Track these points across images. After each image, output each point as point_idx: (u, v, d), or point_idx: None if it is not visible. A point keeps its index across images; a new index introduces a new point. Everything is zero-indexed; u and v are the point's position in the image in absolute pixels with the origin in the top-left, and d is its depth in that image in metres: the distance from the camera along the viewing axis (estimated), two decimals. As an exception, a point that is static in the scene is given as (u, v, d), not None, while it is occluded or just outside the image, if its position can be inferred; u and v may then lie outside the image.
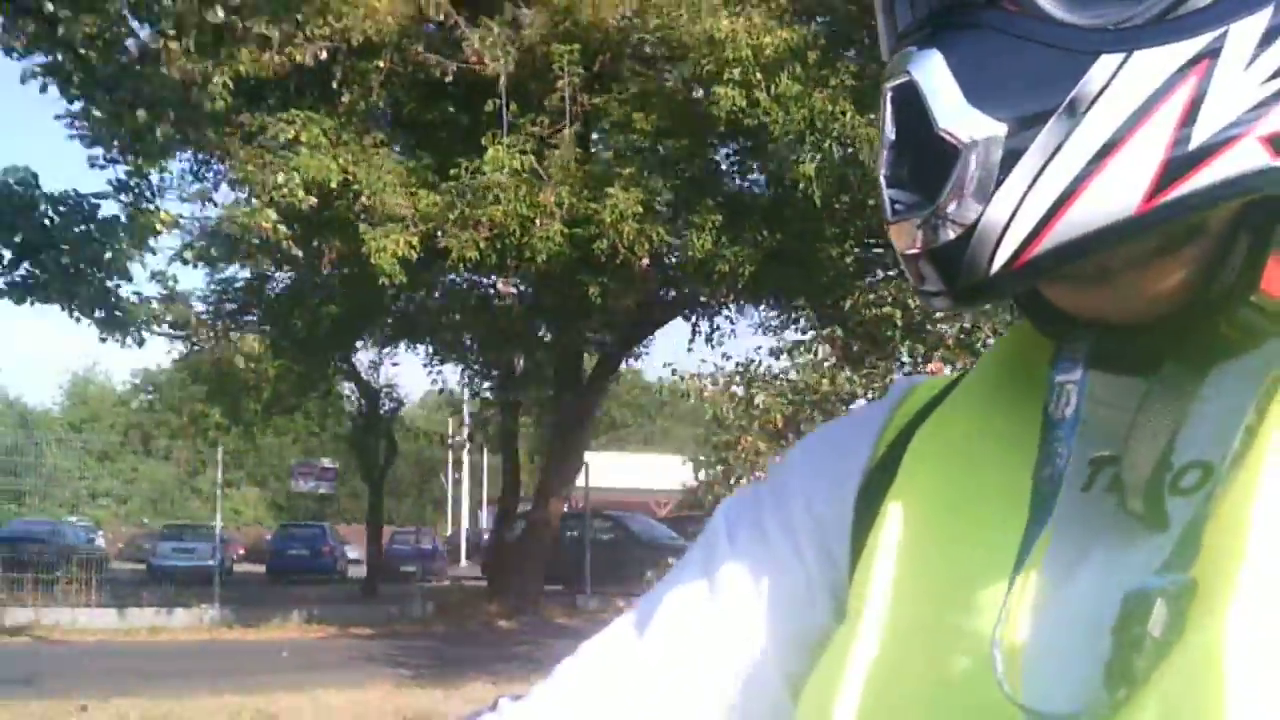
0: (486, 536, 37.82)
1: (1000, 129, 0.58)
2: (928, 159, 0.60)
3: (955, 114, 0.59)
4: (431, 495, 59.58)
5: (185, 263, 14.07)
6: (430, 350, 23.57)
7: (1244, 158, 0.57)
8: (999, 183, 0.58)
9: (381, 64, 14.32)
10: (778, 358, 11.26)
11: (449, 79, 14.47)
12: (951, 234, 0.59)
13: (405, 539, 36.18)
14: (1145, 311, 0.64)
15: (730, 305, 17.39)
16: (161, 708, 11.35)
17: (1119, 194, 0.57)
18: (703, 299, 17.11)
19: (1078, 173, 0.57)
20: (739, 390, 10.80)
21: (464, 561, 42.41)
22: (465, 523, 50.37)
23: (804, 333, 15.81)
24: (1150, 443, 0.63)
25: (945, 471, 0.72)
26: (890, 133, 0.62)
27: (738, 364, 11.50)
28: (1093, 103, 0.57)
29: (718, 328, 18.13)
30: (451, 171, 14.31)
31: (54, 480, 52.33)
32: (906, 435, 0.77)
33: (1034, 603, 0.63)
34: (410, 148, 15.75)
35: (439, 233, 14.02)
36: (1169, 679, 0.55)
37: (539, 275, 15.39)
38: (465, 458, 49.94)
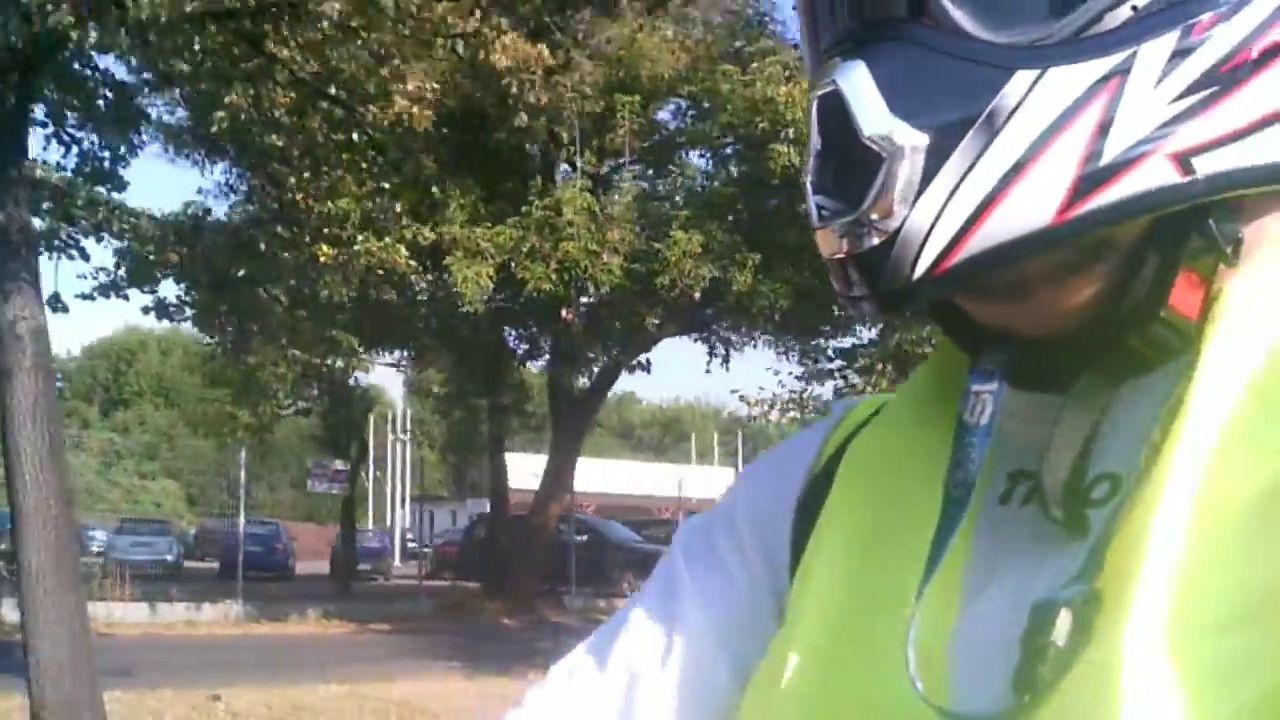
0: (423, 537, 38.68)
1: (922, 139, 0.59)
2: (853, 166, 0.61)
3: (879, 122, 0.60)
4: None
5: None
6: (407, 353, 24.68)
7: (1153, 174, 0.58)
8: (920, 191, 0.59)
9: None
10: (821, 383, 12.95)
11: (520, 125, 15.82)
12: (875, 240, 0.60)
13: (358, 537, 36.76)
14: (1060, 326, 0.65)
15: (758, 335, 19.04)
16: (289, 696, 12.40)
17: (1034, 206, 0.58)
18: (725, 326, 18.77)
19: (995, 183, 0.58)
20: (795, 414, 12.46)
21: (397, 561, 42.93)
22: (402, 521, 50.56)
23: (830, 361, 17.68)
24: (1066, 454, 0.64)
25: (872, 481, 0.74)
26: (816, 141, 0.64)
27: (790, 391, 13.16)
28: (1009, 116, 0.58)
29: (729, 354, 19.78)
30: (524, 209, 15.68)
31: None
32: (843, 449, 0.79)
33: (952, 609, 0.65)
34: (478, 186, 17.01)
35: (512, 264, 15.38)
36: (1069, 689, 0.56)
37: (599, 304, 16.87)
38: (395, 452, 50.57)
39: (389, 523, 51.59)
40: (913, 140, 0.59)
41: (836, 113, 0.62)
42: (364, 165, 10.90)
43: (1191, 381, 0.61)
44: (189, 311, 17.96)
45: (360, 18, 8.56)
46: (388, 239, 13.07)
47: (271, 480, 59.63)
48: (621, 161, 16.54)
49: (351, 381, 25.43)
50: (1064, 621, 0.57)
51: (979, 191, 0.59)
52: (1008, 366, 0.66)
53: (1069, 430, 0.65)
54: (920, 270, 0.60)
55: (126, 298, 15.65)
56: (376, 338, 21.63)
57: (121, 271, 15.31)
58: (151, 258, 13.56)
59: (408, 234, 13.56)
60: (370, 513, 52.96)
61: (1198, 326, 0.64)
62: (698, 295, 15.93)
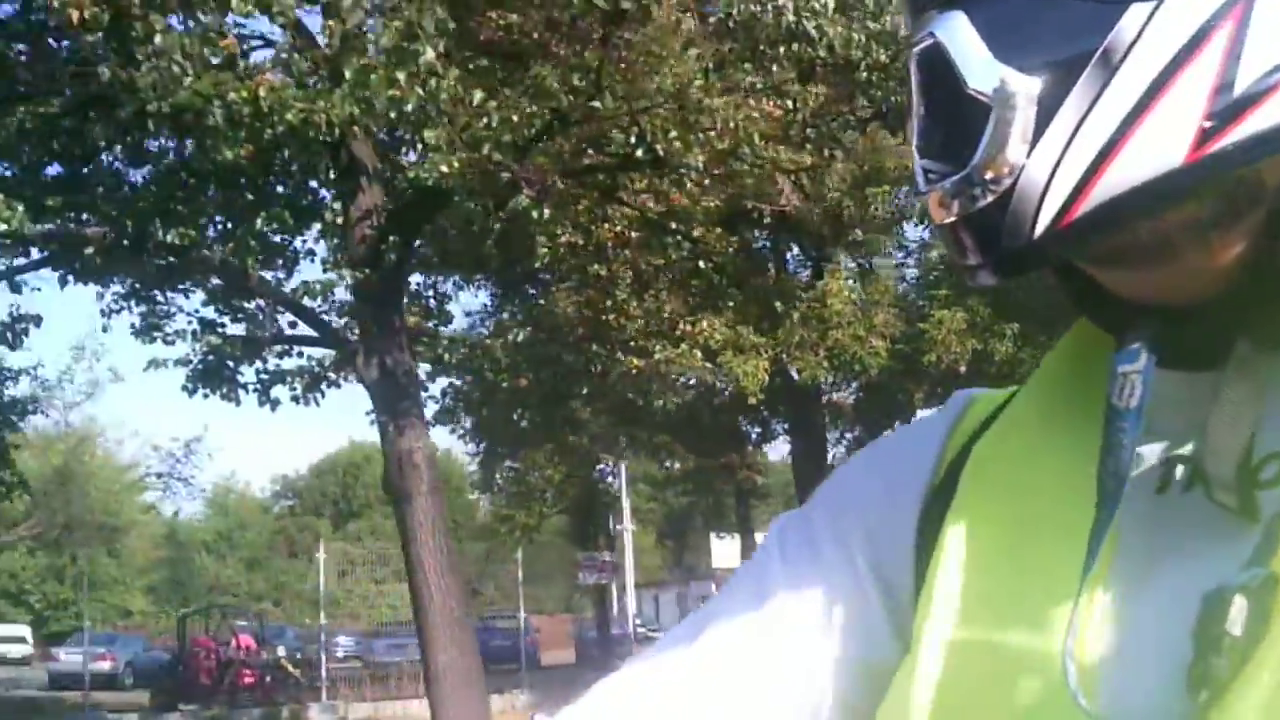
0: (650, 621, 39.54)
1: (1033, 84, 0.55)
2: (959, 122, 0.57)
3: (984, 72, 0.56)
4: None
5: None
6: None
7: None
8: (1035, 140, 0.55)
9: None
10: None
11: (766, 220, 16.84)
12: (989, 198, 0.56)
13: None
14: (1210, 291, 0.60)
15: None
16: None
17: (1163, 147, 0.54)
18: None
19: (1118, 125, 0.54)
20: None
21: (633, 646, 43.87)
22: (632, 607, 51.51)
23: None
24: (1229, 433, 0.59)
25: (1006, 484, 0.69)
26: (919, 100, 0.60)
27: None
28: (1127, 52, 0.54)
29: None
30: (797, 303, 16.66)
31: (215, 589, 54.68)
32: (968, 450, 0.73)
33: (1107, 611, 0.60)
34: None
35: (784, 356, 16.32)
36: (1252, 680, 0.52)
37: (867, 385, 17.69)
38: (622, 540, 51.75)
39: (615, 609, 52.56)
40: (1022, 87, 0.55)
41: (938, 67, 0.58)
42: (694, 284, 11.97)
43: None
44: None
45: (722, 167, 9.64)
46: (684, 345, 14.16)
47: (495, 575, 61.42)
48: (886, 250, 17.42)
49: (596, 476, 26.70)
50: (1239, 609, 0.53)
51: (1100, 136, 0.54)
52: (1155, 342, 0.60)
53: (1230, 407, 0.60)
54: (1041, 228, 0.55)
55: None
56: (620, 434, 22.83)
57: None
58: (504, 384, 14.89)
59: (700, 338, 14.61)
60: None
61: None
62: (963, 369, 16.58)
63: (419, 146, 8.32)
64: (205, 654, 22.81)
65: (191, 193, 9.30)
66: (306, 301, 11.30)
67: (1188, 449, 0.63)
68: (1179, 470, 0.63)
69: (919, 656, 0.67)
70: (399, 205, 9.63)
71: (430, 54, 7.38)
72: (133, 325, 11.83)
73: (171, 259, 9.32)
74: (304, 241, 11.27)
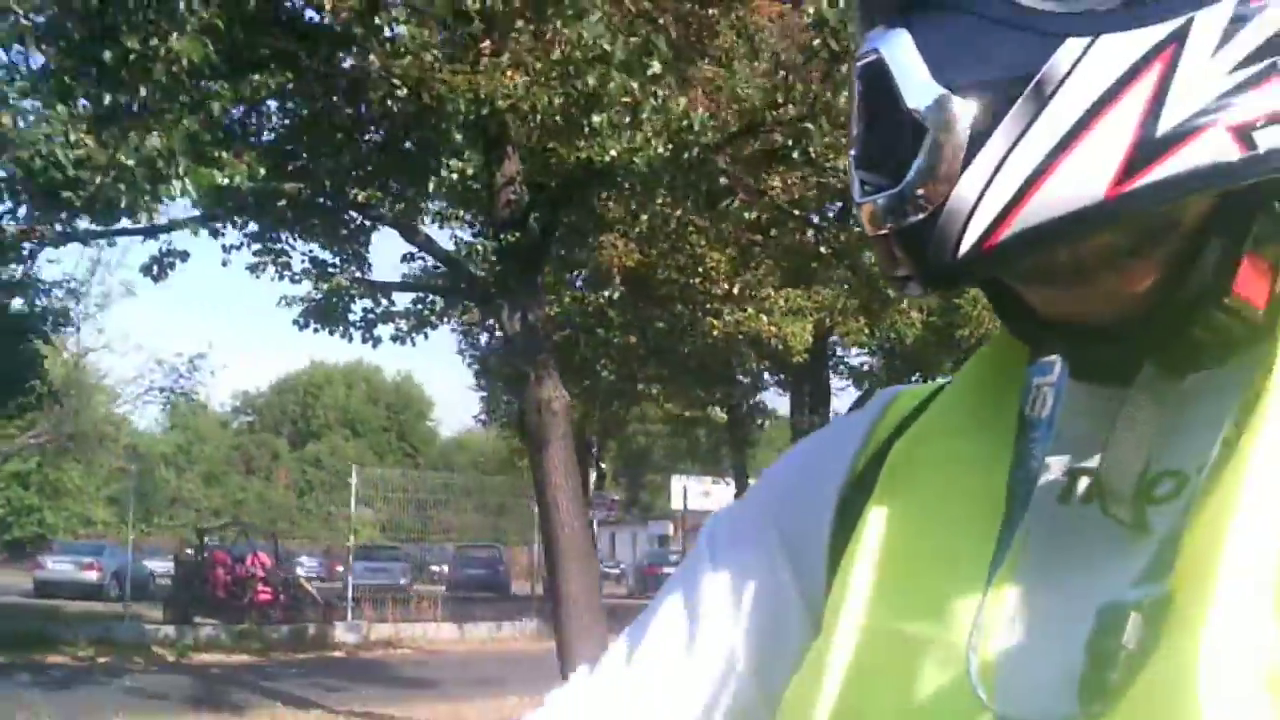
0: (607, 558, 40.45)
1: (967, 108, 0.57)
2: (896, 138, 0.59)
3: (922, 92, 0.57)
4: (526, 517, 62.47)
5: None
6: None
7: (1211, 148, 0.55)
8: (965, 163, 0.57)
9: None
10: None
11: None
12: (918, 215, 0.58)
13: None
14: (1121, 314, 0.63)
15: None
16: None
17: (1086, 180, 0.56)
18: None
19: (1044, 156, 0.56)
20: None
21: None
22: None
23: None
24: (1129, 450, 0.62)
25: (922, 481, 0.70)
26: (860, 112, 0.62)
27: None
28: (1059, 86, 0.56)
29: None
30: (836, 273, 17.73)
31: (176, 503, 55.04)
32: (888, 446, 0.75)
33: (1009, 612, 0.62)
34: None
35: (828, 320, 17.42)
36: (1142, 694, 0.53)
37: (901, 354, 18.87)
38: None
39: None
40: (957, 110, 0.57)
41: (878, 81, 0.59)
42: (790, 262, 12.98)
43: (1271, 374, 0.58)
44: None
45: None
46: (750, 309, 15.23)
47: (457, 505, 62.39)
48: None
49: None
50: (1134, 624, 0.54)
51: (1027, 164, 0.56)
52: (1068, 357, 0.63)
53: (1131, 424, 0.62)
54: (965, 247, 0.57)
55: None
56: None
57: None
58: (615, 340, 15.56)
59: (769, 304, 15.68)
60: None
61: (1267, 317, 0.61)
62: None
63: (585, 129, 9.19)
64: (223, 569, 23.46)
65: (381, 156, 10.11)
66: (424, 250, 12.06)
67: (1090, 462, 0.64)
68: (1081, 482, 0.65)
69: (828, 642, 0.69)
70: (560, 179, 10.52)
71: (658, 66, 8.30)
72: (253, 265, 12.61)
73: (357, 214, 10.16)
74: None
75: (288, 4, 8.76)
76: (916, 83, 0.58)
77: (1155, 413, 0.62)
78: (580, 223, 12.42)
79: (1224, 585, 0.54)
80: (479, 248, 10.82)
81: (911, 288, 0.62)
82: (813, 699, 0.68)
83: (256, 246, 12.59)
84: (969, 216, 0.58)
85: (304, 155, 9.95)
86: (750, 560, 0.79)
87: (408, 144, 10.11)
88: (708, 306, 14.77)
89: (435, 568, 39.64)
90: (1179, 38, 0.56)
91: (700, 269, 14.50)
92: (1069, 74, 0.56)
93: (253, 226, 12.00)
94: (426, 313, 13.63)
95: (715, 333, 14.96)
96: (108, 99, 7.83)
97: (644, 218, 12.85)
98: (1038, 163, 0.57)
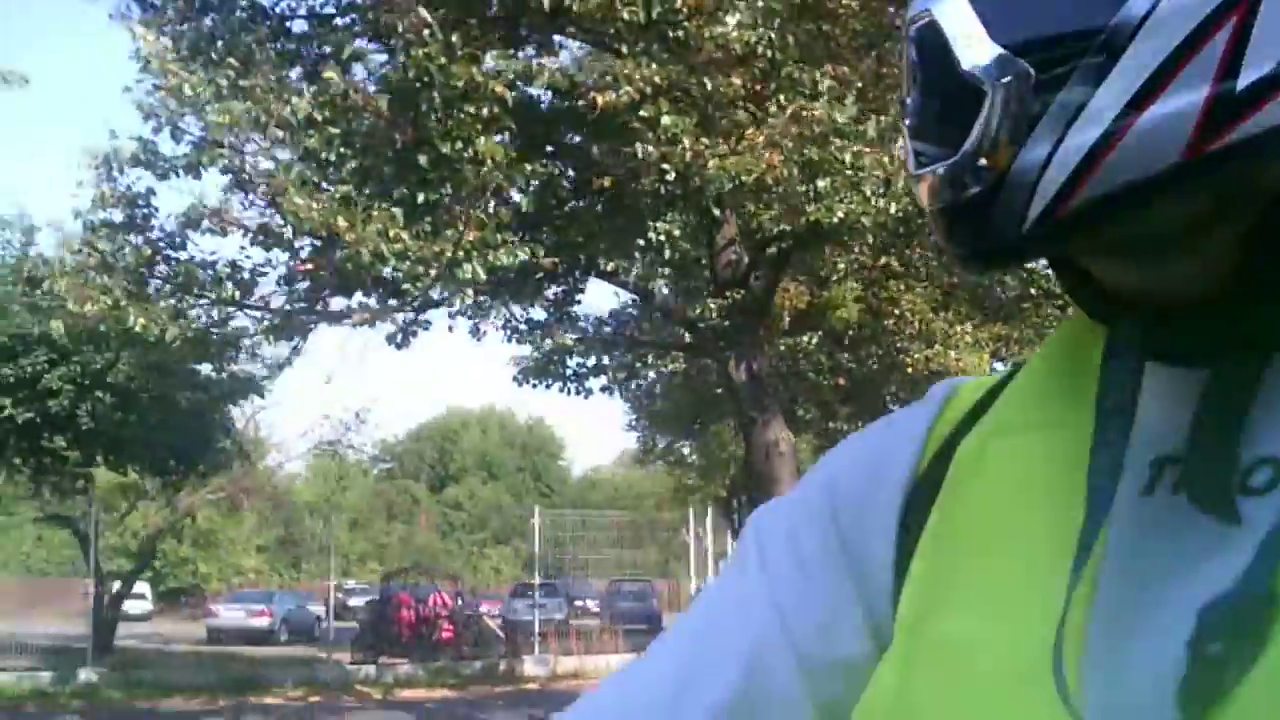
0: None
1: (1030, 68, 0.53)
2: (953, 105, 0.56)
3: (980, 54, 0.54)
4: (672, 550, 63.17)
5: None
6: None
7: None
8: (1030, 127, 0.53)
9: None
10: None
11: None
12: (980, 186, 0.55)
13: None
14: (1200, 290, 0.59)
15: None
16: None
17: (1162, 140, 0.52)
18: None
19: (1115, 116, 0.52)
20: None
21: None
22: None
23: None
24: (1217, 437, 0.57)
25: (995, 480, 0.67)
26: (913, 79, 0.59)
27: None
28: (1129, 39, 0.52)
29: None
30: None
31: (323, 550, 56.70)
32: (953, 444, 0.71)
33: (1095, 616, 0.58)
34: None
35: (1003, 349, 18.02)
36: (1253, 698, 0.50)
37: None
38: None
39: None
40: (1019, 71, 0.53)
41: (933, 46, 0.56)
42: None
43: None
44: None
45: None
46: (938, 345, 15.94)
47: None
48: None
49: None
50: (1237, 625, 0.51)
51: (1096, 126, 0.52)
52: (1146, 337, 0.59)
53: (1218, 409, 0.58)
54: (1032, 219, 0.54)
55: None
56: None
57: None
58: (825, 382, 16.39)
59: (954, 339, 16.35)
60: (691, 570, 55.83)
61: None
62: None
63: (811, 193, 10.01)
64: (408, 610, 24.55)
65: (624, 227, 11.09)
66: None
67: (1175, 450, 0.60)
68: (1167, 473, 0.60)
69: (902, 652, 0.66)
70: (784, 240, 11.37)
71: (872, 131, 9.18)
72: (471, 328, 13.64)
73: (602, 280, 11.14)
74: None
75: (578, 103, 9.71)
76: (973, 43, 0.55)
77: (1241, 396, 0.57)
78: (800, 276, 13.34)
79: None
80: (709, 305, 11.68)
81: (971, 264, 0.59)
82: (888, 712, 0.65)
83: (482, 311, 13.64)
84: (1035, 185, 0.54)
85: (561, 231, 10.92)
86: (805, 560, 0.74)
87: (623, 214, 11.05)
88: (899, 345, 15.48)
89: (580, 602, 40.40)
90: None
91: (896, 310, 15.19)
92: (1139, 27, 0.52)
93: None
94: (638, 364, 14.54)
95: (910, 370, 15.64)
96: (420, 197, 8.87)
97: (840, 265, 13.63)
98: (1108, 124, 0.52)
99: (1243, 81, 0.52)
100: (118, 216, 10.80)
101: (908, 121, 0.60)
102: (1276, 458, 0.57)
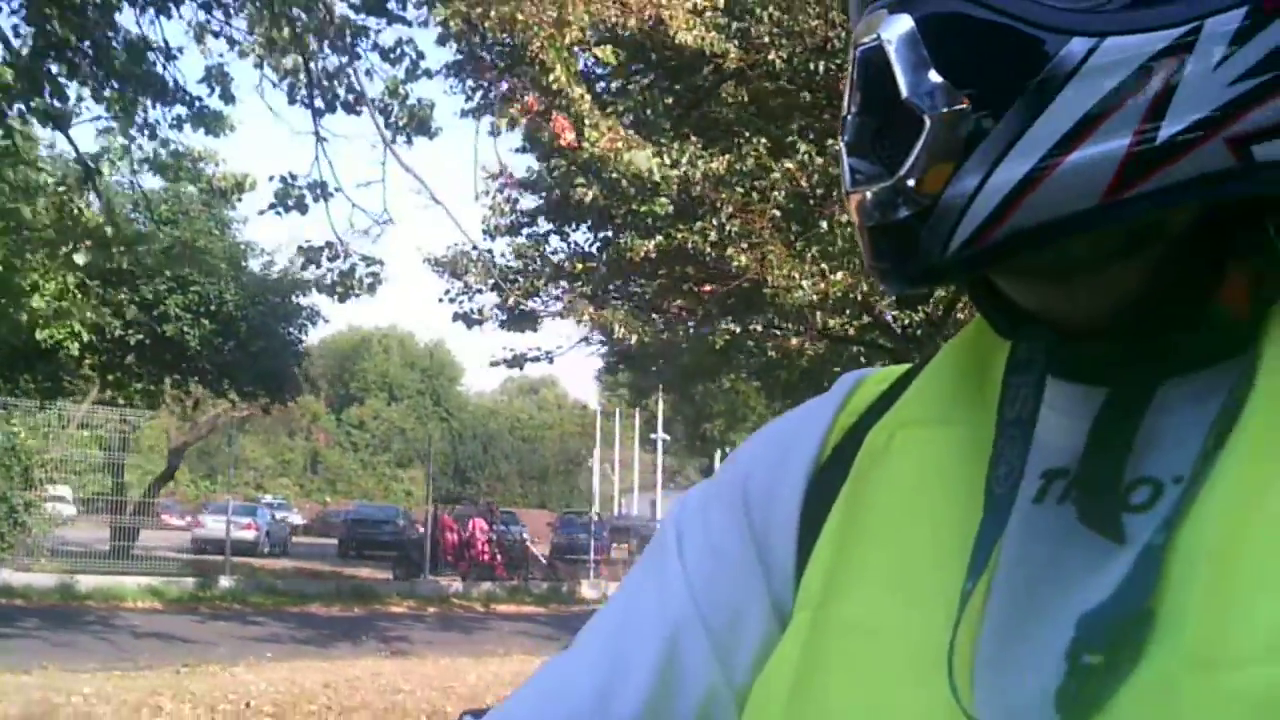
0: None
1: (968, 102, 0.55)
2: (892, 128, 0.57)
3: (922, 82, 0.56)
4: (577, 481, 65.29)
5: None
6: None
7: (1210, 158, 0.55)
8: (962, 160, 0.55)
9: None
10: None
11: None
12: (910, 209, 0.57)
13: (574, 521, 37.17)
14: (1103, 315, 0.62)
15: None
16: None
17: (1084, 181, 0.55)
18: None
19: (1042, 156, 0.55)
20: None
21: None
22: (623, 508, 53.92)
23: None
24: (1104, 455, 0.60)
25: (899, 470, 0.69)
26: (855, 98, 0.60)
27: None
28: (1062, 85, 0.54)
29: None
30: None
31: (237, 463, 57.37)
32: (857, 433, 0.74)
33: (986, 614, 0.60)
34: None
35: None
36: (1120, 710, 0.52)
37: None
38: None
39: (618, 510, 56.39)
40: (957, 104, 0.55)
41: (878, 69, 0.58)
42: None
43: (1253, 386, 0.57)
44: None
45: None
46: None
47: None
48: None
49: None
50: (1114, 637, 0.53)
51: (1024, 164, 0.55)
52: (1047, 354, 0.62)
53: (1107, 428, 0.61)
54: (955, 245, 0.56)
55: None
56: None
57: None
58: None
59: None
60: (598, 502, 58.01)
61: (1250, 328, 0.59)
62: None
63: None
64: (450, 532, 26.53)
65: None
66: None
67: (1064, 463, 0.62)
68: (1055, 484, 0.63)
69: (796, 635, 0.68)
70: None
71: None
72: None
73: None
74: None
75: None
76: (917, 72, 0.56)
77: (1130, 417, 0.60)
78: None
79: (1203, 603, 0.52)
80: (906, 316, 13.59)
81: (893, 281, 0.61)
82: (779, 694, 0.67)
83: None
84: (962, 213, 0.56)
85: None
86: (718, 549, 0.77)
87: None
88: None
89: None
90: (1186, 45, 0.54)
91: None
92: (1072, 74, 0.55)
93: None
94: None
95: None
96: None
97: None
98: (1034, 163, 0.55)
99: (1163, 134, 0.54)
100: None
101: (845, 138, 0.61)
102: (1155, 479, 0.59)
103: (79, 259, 9.63)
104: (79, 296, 15.68)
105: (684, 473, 56.08)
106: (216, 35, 10.08)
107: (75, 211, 9.26)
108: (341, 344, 70.06)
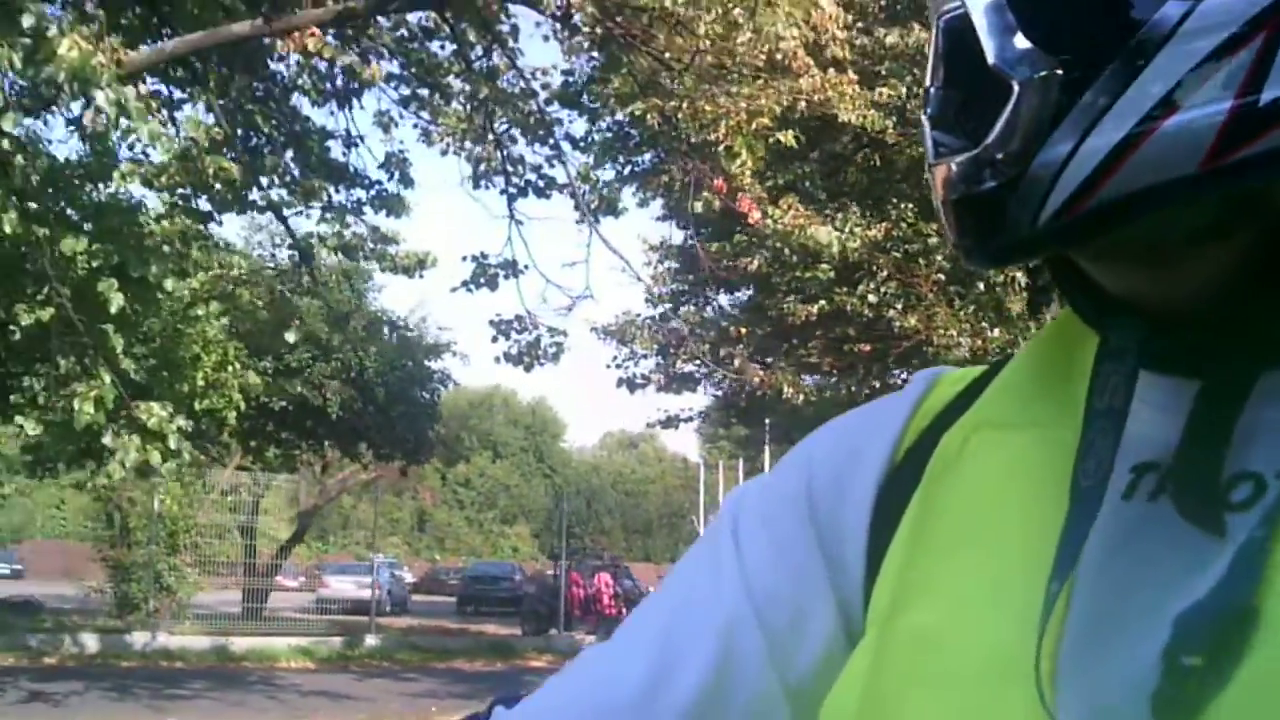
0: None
1: (1058, 68, 0.53)
2: (977, 97, 0.55)
3: (1010, 49, 0.54)
4: (681, 534, 65.68)
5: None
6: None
7: None
8: (1052, 127, 0.53)
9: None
10: None
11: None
12: (997, 180, 0.54)
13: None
14: (1198, 301, 0.58)
15: None
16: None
17: (1182, 147, 0.51)
18: None
19: (1138, 121, 0.52)
20: None
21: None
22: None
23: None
24: (1201, 449, 0.57)
25: (977, 474, 0.66)
26: (939, 68, 0.59)
27: None
28: (1159, 47, 0.51)
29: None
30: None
31: (352, 525, 58.41)
32: (932, 435, 0.71)
33: (1073, 618, 0.57)
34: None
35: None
36: (1228, 712, 0.50)
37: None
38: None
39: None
40: (1046, 70, 0.53)
41: (963, 37, 0.56)
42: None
43: None
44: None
45: None
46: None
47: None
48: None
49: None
50: (1215, 637, 0.51)
51: (1119, 130, 0.52)
52: (1141, 343, 0.59)
53: (1204, 420, 0.58)
54: (1044, 217, 0.54)
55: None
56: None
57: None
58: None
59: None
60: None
61: None
62: None
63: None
64: (578, 587, 26.98)
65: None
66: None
67: (1156, 457, 0.60)
68: (1147, 479, 0.60)
69: (875, 646, 0.66)
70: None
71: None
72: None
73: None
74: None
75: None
76: (1004, 38, 0.54)
77: (1230, 408, 0.57)
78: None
79: None
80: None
81: (978, 258, 0.58)
82: (849, 711, 0.65)
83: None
84: (1053, 182, 0.53)
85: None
86: (780, 542, 0.74)
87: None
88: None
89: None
90: None
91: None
92: (1170, 35, 0.51)
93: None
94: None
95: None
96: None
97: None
98: (1130, 128, 0.52)
99: (1266, 96, 0.51)
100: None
101: (928, 110, 0.59)
102: (1257, 473, 0.56)
103: (290, 337, 10.33)
104: (238, 367, 16.49)
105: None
106: (396, 125, 10.80)
107: (285, 295, 9.96)
108: (448, 406, 71.20)
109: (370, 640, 21.46)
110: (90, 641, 18.60)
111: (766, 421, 18.98)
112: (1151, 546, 0.58)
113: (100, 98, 6.16)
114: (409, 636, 22.82)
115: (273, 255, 13.08)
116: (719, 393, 16.24)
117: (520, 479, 67.57)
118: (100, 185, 8.20)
